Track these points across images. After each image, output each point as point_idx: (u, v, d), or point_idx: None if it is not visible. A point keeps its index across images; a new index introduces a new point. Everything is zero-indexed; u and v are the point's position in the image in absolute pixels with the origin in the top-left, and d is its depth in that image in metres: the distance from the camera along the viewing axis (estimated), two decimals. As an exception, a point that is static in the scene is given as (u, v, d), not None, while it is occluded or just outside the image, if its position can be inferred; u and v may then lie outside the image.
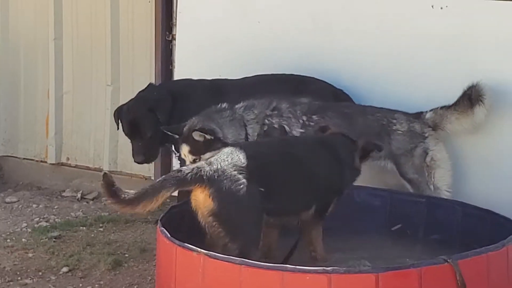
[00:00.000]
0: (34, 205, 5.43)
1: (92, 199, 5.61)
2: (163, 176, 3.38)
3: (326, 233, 3.78)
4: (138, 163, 4.63)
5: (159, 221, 3.58)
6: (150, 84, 4.75)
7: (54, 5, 5.77)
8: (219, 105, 4.19)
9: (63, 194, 5.71)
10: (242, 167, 3.37)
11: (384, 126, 4.21)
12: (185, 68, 5.00)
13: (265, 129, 4.17)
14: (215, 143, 3.98)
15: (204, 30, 5.01)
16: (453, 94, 4.32)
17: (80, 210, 5.35)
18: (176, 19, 5.20)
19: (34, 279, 4.24)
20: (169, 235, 3.39)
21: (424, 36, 4.42)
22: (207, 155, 3.92)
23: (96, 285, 4.14)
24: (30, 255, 4.54)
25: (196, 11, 5.06)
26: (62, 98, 5.83)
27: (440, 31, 4.37)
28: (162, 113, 4.50)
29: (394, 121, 4.23)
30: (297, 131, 4.17)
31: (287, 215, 3.59)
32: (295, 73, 4.59)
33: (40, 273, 4.31)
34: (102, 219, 5.13)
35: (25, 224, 5.07)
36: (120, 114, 4.62)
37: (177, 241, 3.32)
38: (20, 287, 4.15)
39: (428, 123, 4.25)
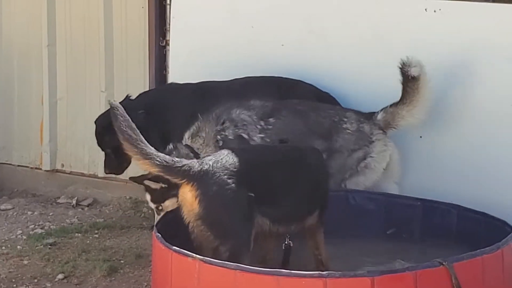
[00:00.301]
0: (29, 212, 5.42)
1: (87, 206, 5.61)
2: (159, 153, 3.33)
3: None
4: (106, 173, 4.85)
5: (154, 227, 3.58)
6: (126, 96, 4.77)
7: (47, 12, 5.76)
8: (167, 147, 4.07)
9: (58, 200, 5.70)
10: (233, 171, 3.34)
11: (335, 123, 4.20)
12: (179, 73, 5.00)
13: (220, 144, 4.09)
14: (171, 190, 3.86)
15: (198, 35, 5.01)
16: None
17: (75, 217, 5.35)
18: (169, 24, 5.20)
19: (29, 286, 4.24)
20: (164, 241, 3.39)
21: (418, 39, 4.42)
22: (167, 203, 3.94)
23: (92, 292, 4.16)
24: (26, 262, 4.54)
25: (189, 17, 5.06)
26: (56, 105, 5.82)
27: (433, 34, 4.38)
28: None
29: (345, 119, 4.20)
30: (257, 137, 4.13)
31: (293, 222, 3.57)
32: (288, 77, 4.59)
33: (36, 280, 4.30)
34: (97, 226, 5.13)
35: (20, 231, 5.06)
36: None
37: (172, 247, 3.32)
38: (16, 294, 4.16)
39: (380, 124, 4.22)
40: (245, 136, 4.13)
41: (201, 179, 3.31)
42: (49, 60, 5.77)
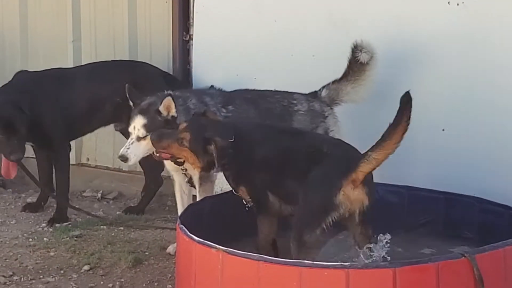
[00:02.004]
0: (55, 205, 5.47)
1: (112, 199, 5.66)
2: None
3: (343, 229, 3.81)
4: (16, 161, 4.91)
5: (178, 219, 3.62)
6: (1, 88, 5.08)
7: (72, 8, 5.82)
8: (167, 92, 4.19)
9: (84, 194, 5.76)
10: None
11: (285, 107, 4.27)
12: (202, 67, 5.04)
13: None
14: (171, 124, 3.98)
15: (221, 29, 5.04)
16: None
17: (101, 210, 5.40)
18: (193, 19, 5.24)
19: (56, 277, 4.28)
20: (188, 233, 3.42)
21: (441, 33, 4.41)
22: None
23: (117, 283, 4.18)
24: (52, 253, 4.59)
25: (213, 11, 5.09)
26: (82, 99, 5.86)
27: (456, 27, 4.37)
28: (27, 108, 4.89)
29: (295, 101, 4.28)
30: None
31: None
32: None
33: (62, 271, 4.35)
34: (122, 218, 5.18)
35: (46, 224, 5.11)
36: None
37: (196, 238, 3.36)
38: (43, 285, 4.19)
39: (326, 101, 4.30)
40: None
41: (367, 178, 3.40)
42: (74, 55, 5.82)
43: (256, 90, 4.48)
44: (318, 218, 3.37)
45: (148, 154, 4.05)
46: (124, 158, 4.05)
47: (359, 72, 4.28)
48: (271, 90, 4.43)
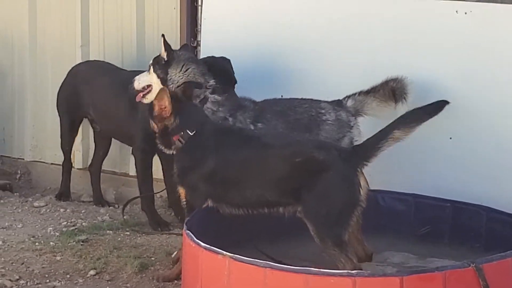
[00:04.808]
0: (62, 209, 5.47)
1: (118, 203, 5.66)
2: None
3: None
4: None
5: (185, 224, 3.63)
6: None
7: (81, 13, 5.84)
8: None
9: (90, 198, 5.75)
10: None
11: (313, 117, 4.27)
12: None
13: None
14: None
15: (228, 36, 5.05)
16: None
17: (107, 214, 5.39)
18: (200, 25, 5.25)
19: (62, 282, 4.28)
20: (195, 238, 3.43)
21: (448, 41, 4.42)
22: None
23: (123, 288, 4.20)
24: (58, 258, 4.60)
25: (220, 18, 5.10)
26: (89, 104, 5.87)
27: (464, 36, 4.37)
28: None
29: (323, 111, 4.28)
30: None
31: None
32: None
33: (68, 276, 4.35)
34: (128, 223, 5.18)
35: (52, 228, 5.12)
36: None
37: (202, 244, 3.37)
38: (48, 289, 4.21)
39: (351, 111, 4.30)
40: None
41: None
42: (83, 60, 5.83)
43: (284, 100, 4.45)
44: (347, 216, 3.50)
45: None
46: None
47: (389, 96, 4.27)
48: (299, 99, 4.40)
